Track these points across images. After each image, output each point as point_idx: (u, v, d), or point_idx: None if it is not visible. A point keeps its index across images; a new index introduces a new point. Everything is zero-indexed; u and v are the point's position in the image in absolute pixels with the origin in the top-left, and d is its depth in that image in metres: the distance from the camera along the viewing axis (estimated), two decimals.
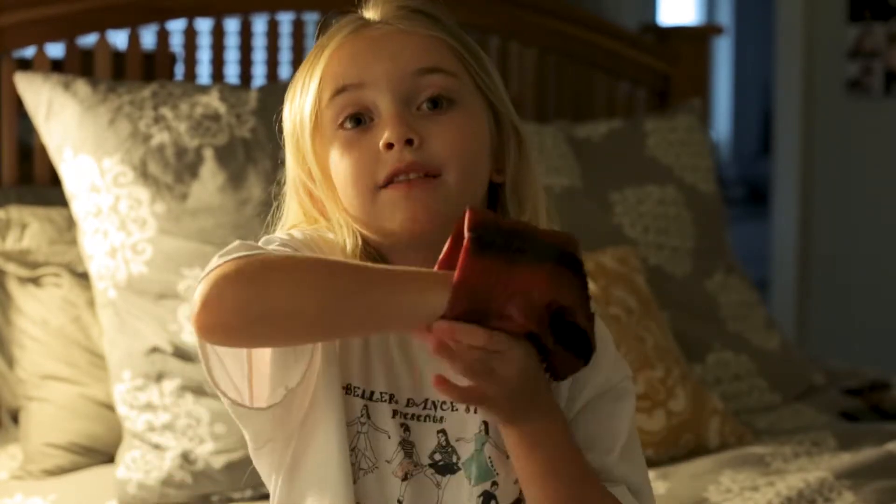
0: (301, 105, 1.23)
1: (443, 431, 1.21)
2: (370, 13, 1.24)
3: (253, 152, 2.16)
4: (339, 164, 1.21)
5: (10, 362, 2.15)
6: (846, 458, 2.07)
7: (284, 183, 1.29)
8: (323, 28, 1.27)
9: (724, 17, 7.30)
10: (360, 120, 1.21)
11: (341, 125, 1.21)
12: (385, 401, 1.21)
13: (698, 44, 2.97)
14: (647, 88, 2.91)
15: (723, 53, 7.20)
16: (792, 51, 4.03)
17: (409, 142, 1.18)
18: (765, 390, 2.45)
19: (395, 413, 1.21)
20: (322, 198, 1.24)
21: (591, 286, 2.18)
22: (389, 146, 1.18)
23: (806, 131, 4.03)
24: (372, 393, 1.21)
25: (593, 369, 1.24)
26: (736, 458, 2.09)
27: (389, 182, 1.18)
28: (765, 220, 4.64)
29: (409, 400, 1.21)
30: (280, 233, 1.26)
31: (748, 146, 7.44)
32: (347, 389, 1.21)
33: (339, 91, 1.21)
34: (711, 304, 2.53)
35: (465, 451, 1.21)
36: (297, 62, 2.58)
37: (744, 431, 2.22)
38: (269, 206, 2.08)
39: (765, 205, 4.97)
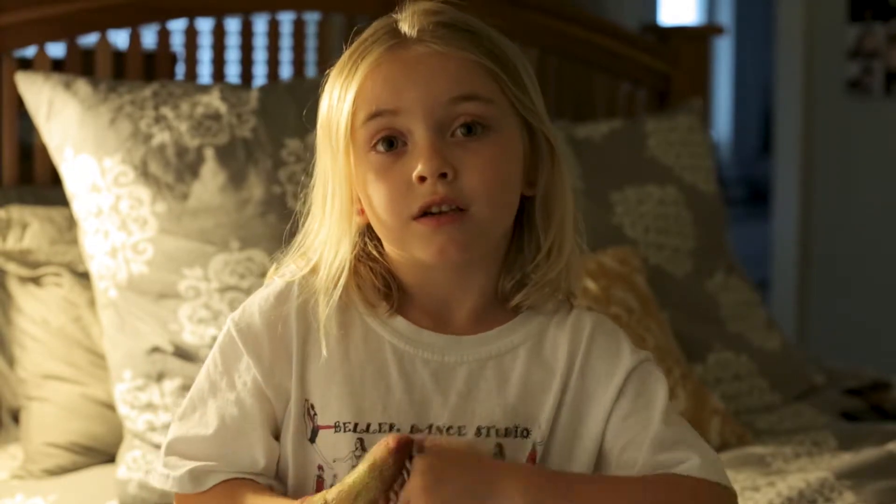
0: (336, 119, 1.23)
1: None
2: (406, 26, 1.22)
3: (254, 152, 2.16)
4: (373, 189, 1.21)
5: (11, 362, 2.15)
6: (847, 459, 2.07)
7: (312, 179, 1.28)
8: (357, 32, 1.26)
9: (725, 17, 7.30)
10: (392, 142, 1.20)
11: (374, 147, 1.21)
12: (385, 431, 1.21)
13: (699, 44, 2.97)
14: (648, 88, 2.91)
15: (723, 53, 7.20)
16: (792, 51, 4.03)
17: (442, 175, 1.18)
18: (765, 390, 2.45)
19: None
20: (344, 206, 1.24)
21: (592, 286, 2.18)
22: (422, 179, 1.18)
23: (806, 131, 4.03)
24: (368, 425, 1.21)
25: (613, 367, 1.24)
26: (736, 458, 2.09)
27: (422, 214, 1.19)
28: (765, 221, 4.64)
29: (412, 427, 1.21)
30: (280, 280, 1.27)
31: (748, 146, 7.45)
32: (336, 427, 1.22)
33: (374, 115, 1.20)
34: (712, 304, 2.53)
35: None
36: (297, 62, 2.58)
37: (744, 431, 2.22)
38: (269, 206, 2.10)
39: (765, 205, 4.97)
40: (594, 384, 1.24)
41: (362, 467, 1.14)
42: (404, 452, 1.13)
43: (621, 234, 2.47)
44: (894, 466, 2.02)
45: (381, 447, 1.14)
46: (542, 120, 1.25)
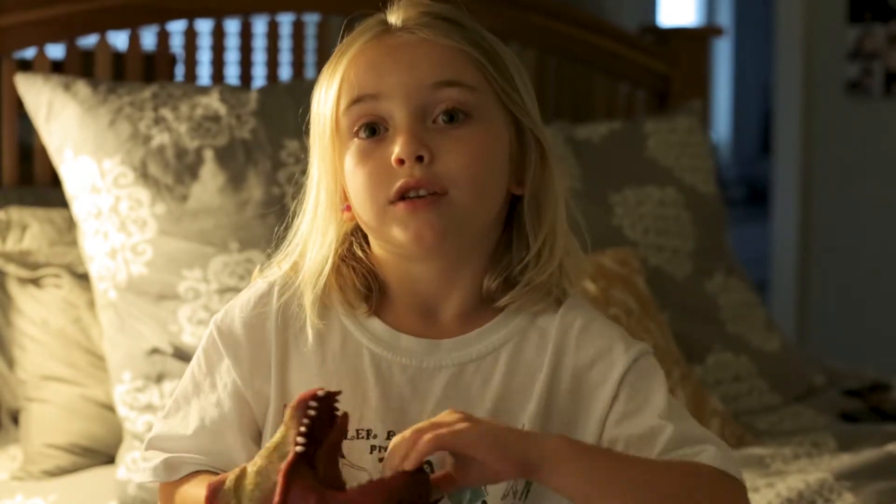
0: (323, 109, 1.23)
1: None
2: (393, 17, 1.23)
3: (253, 153, 2.16)
4: (354, 174, 1.20)
5: (11, 363, 2.15)
6: (846, 460, 2.07)
7: (304, 179, 1.28)
8: (348, 28, 1.26)
9: (724, 18, 7.29)
10: (374, 129, 1.20)
11: (356, 133, 1.20)
12: (362, 437, 1.20)
13: (698, 45, 2.97)
14: (647, 89, 2.91)
15: (723, 54, 7.19)
16: (792, 52, 4.03)
17: (419, 158, 1.17)
18: (765, 391, 2.45)
19: (373, 448, 1.20)
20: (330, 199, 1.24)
21: (592, 287, 2.17)
22: (401, 162, 1.17)
23: (806, 132, 4.03)
24: (345, 432, 1.20)
25: (602, 381, 1.22)
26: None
27: (400, 198, 1.18)
28: (765, 222, 4.64)
29: (389, 433, 1.20)
30: (263, 282, 1.26)
31: (748, 147, 7.44)
32: None
33: (356, 100, 1.20)
34: (711, 305, 2.53)
35: None
36: (297, 63, 2.59)
37: (744, 432, 2.22)
38: (269, 207, 2.10)
39: (765, 206, 4.97)
40: (587, 388, 1.23)
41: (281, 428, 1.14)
42: (302, 406, 1.11)
43: (621, 236, 2.47)
44: (893, 467, 2.02)
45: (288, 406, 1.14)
46: (530, 116, 1.24)
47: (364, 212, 1.21)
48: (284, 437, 1.12)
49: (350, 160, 1.21)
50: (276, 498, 1.08)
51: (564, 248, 1.24)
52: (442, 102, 1.19)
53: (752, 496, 1.91)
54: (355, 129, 1.21)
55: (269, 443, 1.13)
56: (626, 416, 1.21)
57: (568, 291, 1.27)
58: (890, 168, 3.90)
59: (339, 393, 1.13)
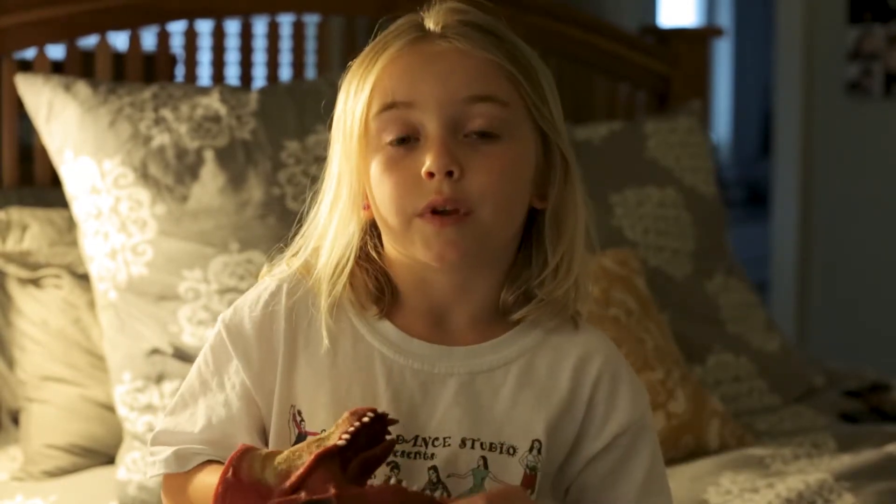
0: (352, 109, 1.22)
1: (434, 468, 1.19)
2: (430, 22, 1.22)
3: (253, 154, 2.16)
4: (381, 181, 1.19)
5: (11, 364, 2.15)
6: (846, 460, 2.07)
7: (322, 174, 1.27)
8: (383, 26, 1.25)
9: (725, 18, 7.29)
10: (404, 138, 1.19)
11: (386, 140, 1.20)
12: None
13: (698, 45, 2.97)
14: (648, 90, 2.91)
15: (723, 55, 7.20)
16: (792, 52, 4.03)
17: (449, 173, 1.16)
18: (765, 392, 2.45)
19: None
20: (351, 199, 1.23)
21: (592, 288, 2.17)
22: (431, 175, 1.16)
23: (806, 133, 4.03)
24: None
25: (609, 417, 1.23)
26: (735, 459, 2.09)
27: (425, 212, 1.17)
28: (765, 222, 4.64)
29: (398, 437, 1.19)
30: (273, 280, 1.26)
31: (748, 148, 7.44)
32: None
33: (388, 107, 1.19)
34: (711, 306, 2.53)
35: (458, 486, 1.19)
36: (297, 64, 2.59)
37: (743, 433, 2.22)
38: (269, 208, 2.10)
39: (765, 207, 4.97)
40: (590, 422, 1.24)
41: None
42: (359, 413, 1.14)
43: (621, 236, 2.47)
44: (893, 468, 2.02)
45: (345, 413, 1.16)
46: (558, 132, 1.23)
47: (389, 218, 1.20)
48: (331, 434, 1.14)
49: (377, 166, 1.20)
50: (300, 472, 1.10)
51: (582, 264, 1.24)
52: (475, 118, 1.18)
53: (751, 496, 1.92)
54: (385, 135, 1.19)
55: (314, 437, 1.16)
56: (610, 473, 1.23)
57: (581, 309, 1.27)
58: (890, 168, 3.90)
59: (396, 422, 1.16)
